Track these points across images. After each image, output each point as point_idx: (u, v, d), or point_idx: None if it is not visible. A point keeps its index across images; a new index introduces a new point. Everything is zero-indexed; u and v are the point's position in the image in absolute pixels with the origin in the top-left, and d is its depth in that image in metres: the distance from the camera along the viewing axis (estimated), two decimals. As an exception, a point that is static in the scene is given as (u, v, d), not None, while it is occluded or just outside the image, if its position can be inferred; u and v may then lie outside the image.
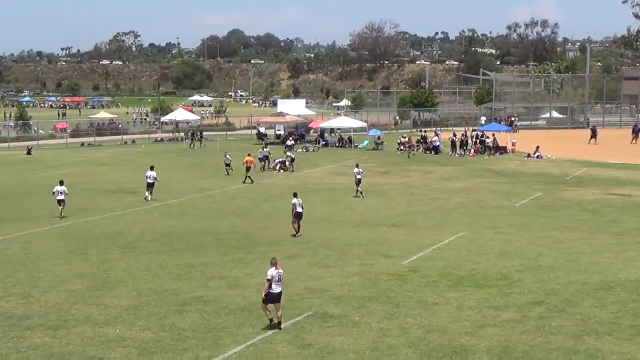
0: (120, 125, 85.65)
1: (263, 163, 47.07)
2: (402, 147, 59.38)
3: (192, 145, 65.06)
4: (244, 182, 41.06)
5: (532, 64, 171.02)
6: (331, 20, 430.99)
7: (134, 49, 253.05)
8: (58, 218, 30.82)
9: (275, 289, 16.50)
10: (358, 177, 36.16)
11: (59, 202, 31.50)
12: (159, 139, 74.48)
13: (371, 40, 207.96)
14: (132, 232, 28.01)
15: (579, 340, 15.67)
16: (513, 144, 58.89)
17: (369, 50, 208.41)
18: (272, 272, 16.56)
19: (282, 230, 27.47)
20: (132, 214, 32.22)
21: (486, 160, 53.12)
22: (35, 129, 79.96)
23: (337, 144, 64.75)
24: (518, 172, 46.54)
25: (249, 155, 42.83)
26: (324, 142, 65.16)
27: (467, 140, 58.52)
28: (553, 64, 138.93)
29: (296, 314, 17.55)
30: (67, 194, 31.77)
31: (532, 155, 54.20)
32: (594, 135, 64.76)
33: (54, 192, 31.77)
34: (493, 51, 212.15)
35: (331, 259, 23.31)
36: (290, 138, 63.31)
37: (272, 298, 16.51)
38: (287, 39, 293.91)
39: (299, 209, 26.94)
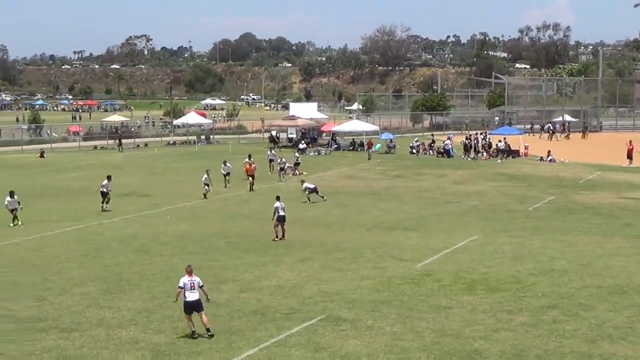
0: (132, 129, 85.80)
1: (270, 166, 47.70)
2: (414, 151, 60.57)
3: (120, 149, 66.10)
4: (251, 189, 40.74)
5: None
6: (343, 23, 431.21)
7: (146, 52, 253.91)
8: (11, 226, 30.19)
9: (190, 296, 16.28)
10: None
11: (12, 210, 30.69)
12: (171, 142, 74.74)
13: (383, 44, 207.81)
14: (145, 235, 28.08)
15: (593, 345, 15.60)
16: (526, 148, 58.79)
17: (381, 54, 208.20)
18: (184, 279, 16.44)
19: (294, 233, 27.43)
20: (145, 217, 32.30)
21: (499, 164, 52.97)
22: (48, 132, 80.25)
23: (349, 148, 64.77)
24: (531, 175, 46.37)
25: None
26: (336, 146, 65.14)
27: (490, 143, 58.29)
28: (565, 67, 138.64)
29: (309, 317, 17.56)
30: (19, 202, 30.89)
31: (544, 159, 54.08)
32: None
33: (6, 205, 30.82)
34: (505, 54, 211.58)
35: (344, 262, 23.29)
36: (303, 141, 63.51)
37: (189, 306, 16.30)
38: (299, 42, 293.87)
39: (282, 213, 26.90)
